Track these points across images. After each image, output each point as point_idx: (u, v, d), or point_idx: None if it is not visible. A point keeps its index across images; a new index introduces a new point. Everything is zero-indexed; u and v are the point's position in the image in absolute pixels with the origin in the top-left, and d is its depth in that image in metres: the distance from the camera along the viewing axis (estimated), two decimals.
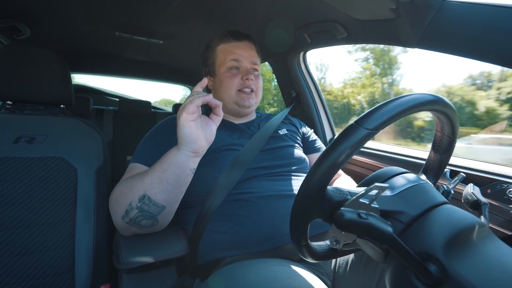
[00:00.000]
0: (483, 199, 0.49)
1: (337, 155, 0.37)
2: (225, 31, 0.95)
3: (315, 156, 1.01)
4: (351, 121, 0.40)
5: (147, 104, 2.01)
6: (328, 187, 0.40)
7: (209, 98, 0.61)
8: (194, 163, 0.65)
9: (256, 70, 0.95)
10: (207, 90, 1.03)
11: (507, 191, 0.71)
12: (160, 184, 0.63)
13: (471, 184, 0.53)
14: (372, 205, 0.39)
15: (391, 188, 0.44)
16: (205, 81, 0.65)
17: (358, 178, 0.74)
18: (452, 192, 0.52)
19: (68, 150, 0.86)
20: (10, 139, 0.81)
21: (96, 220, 0.85)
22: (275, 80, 1.60)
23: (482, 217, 0.46)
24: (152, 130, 0.86)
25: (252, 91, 0.92)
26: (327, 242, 0.49)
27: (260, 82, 0.96)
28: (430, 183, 0.51)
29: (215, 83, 0.96)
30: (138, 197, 0.63)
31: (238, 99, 0.91)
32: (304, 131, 1.06)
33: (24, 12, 1.19)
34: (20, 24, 1.26)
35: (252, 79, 0.90)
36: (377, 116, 0.38)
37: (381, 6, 0.76)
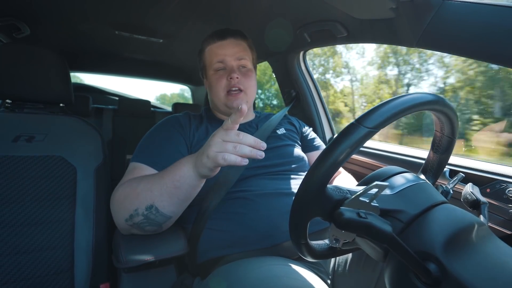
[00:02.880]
0: (482, 199, 0.49)
1: (338, 153, 0.37)
2: (212, 32, 0.93)
3: (314, 154, 1.00)
4: None
5: (146, 103, 2.01)
6: (328, 185, 0.40)
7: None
8: (203, 182, 0.66)
9: (244, 66, 0.91)
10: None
11: (506, 191, 0.71)
12: (170, 198, 0.63)
13: (470, 184, 0.53)
14: (372, 203, 0.39)
15: (391, 187, 0.44)
16: (244, 110, 0.53)
17: (358, 178, 0.74)
18: (452, 191, 0.52)
19: (68, 149, 0.86)
20: (10, 137, 0.81)
21: (95, 219, 0.85)
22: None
23: (481, 216, 0.46)
24: (152, 129, 0.86)
25: (240, 90, 0.88)
26: (327, 241, 0.49)
27: (251, 78, 0.91)
28: (430, 182, 0.51)
29: (207, 85, 0.96)
30: (145, 206, 0.63)
31: (227, 101, 0.88)
32: (303, 130, 1.06)
33: (24, 11, 1.19)
34: (20, 22, 1.26)
35: (237, 78, 0.87)
36: (377, 115, 0.38)
37: (381, 5, 0.76)
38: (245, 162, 0.55)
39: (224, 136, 0.55)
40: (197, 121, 0.91)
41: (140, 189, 0.64)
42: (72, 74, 1.89)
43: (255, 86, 0.94)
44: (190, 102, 2.83)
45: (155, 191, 0.63)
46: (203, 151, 0.57)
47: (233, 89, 0.88)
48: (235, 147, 0.54)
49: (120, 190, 0.68)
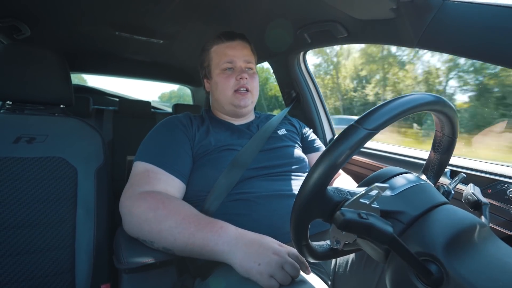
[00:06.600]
0: (483, 199, 0.49)
1: (337, 155, 0.37)
2: (218, 33, 0.95)
3: (314, 155, 1.01)
4: None
5: (147, 104, 2.01)
6: (328, 187, 0.40)
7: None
8: None
9: (251, 68, 0.95)
10: (206, 92, 1.03)
11: (508, 191, 0.71)
12: (189, 253, 0.64)
13: (471, 184, 0.53)
14: (373, 205, 0.39)
15: (392, 188, 0.44)
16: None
17: (358, 178, 0.74)
18: (453, 192, 0.51)
19: (68, 150, 0.86)
20: (10, 139, 0.81)
21: (96, 220, 0.85)
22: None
23: (482, 217, 0.46)
24: (155, 128, 0.86)
25: (247, 90, 0.91)
26: (328, 242, 0.49)
27: (256, 80, 0.95)
28: (431, 183, 0.51)
29: (212, 85, 0.96)
30: (162, 246, 0.64)
31: (234, 99, 0.91)
32: (303, 131, 1.06)
33: (24, 12, 1.19)
34: (20, 23, 1.26)
35: (246, 78, 0.90)
36: (377, 116, 0.38)
37: (382, 6, 0.76)
38: None
39: (286, 266, 0.55)
40: (198, 121, 0.91)
41: (164, 227, 0.64)
42: (72, 75, 1.89)
43: (258, 88, 0.97)
44: None
45: (179, 242, 0.62)
46: (257, 261, 0.56)
47: (241, 89, 0.91)
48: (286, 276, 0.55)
49: (144, 206, 0.67)
